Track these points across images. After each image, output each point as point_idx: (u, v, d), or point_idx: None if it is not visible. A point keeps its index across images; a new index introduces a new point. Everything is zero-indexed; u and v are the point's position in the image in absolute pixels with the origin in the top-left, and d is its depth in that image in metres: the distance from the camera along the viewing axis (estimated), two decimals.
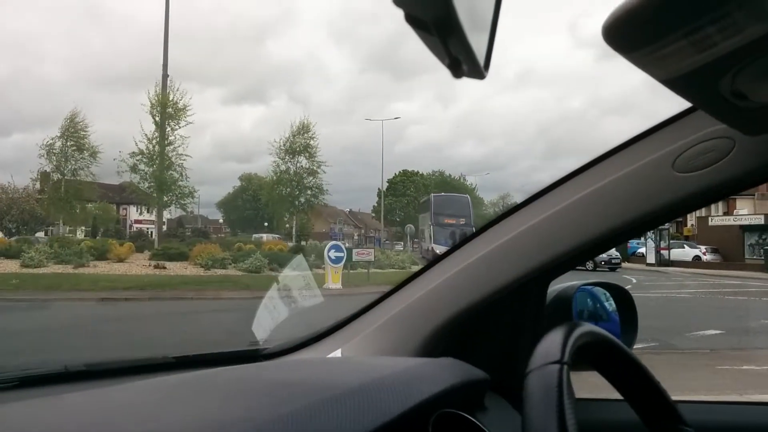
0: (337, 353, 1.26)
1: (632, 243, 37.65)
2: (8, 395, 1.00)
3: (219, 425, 0.66)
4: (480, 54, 0.47)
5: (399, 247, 48.78)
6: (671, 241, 36.04)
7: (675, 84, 0.65)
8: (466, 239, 1.25)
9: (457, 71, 0.41)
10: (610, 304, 1.32)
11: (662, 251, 32.50)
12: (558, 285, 1.27)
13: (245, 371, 0.99)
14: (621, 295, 1.33)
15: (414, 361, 1.00)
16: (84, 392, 0.86)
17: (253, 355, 1.36)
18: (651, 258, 32.52)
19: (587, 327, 0.79)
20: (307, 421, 0.68)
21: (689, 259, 34.58)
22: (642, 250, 35.31)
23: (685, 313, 13.79)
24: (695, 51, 0.58)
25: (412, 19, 0.39)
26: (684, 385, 7.06)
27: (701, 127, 0.99)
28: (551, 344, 0.72)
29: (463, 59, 0.43)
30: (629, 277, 21.25)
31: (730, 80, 0.64)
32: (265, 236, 40.70)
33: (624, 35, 0.57)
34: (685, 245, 37.97)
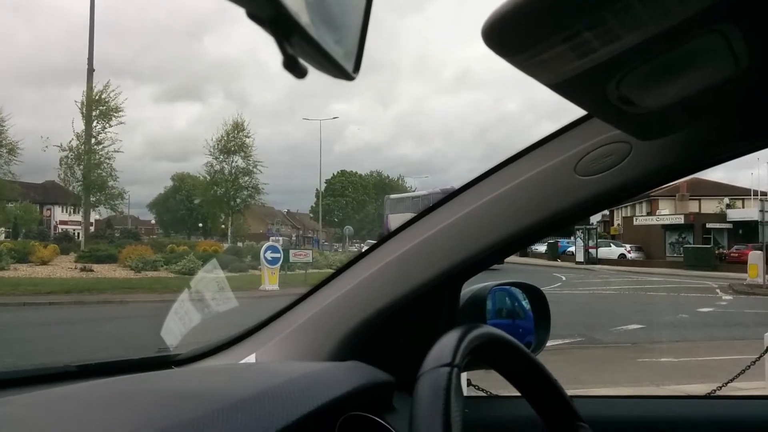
0: (251, 358, 1.24)
1: (562, 242, 39.04)
2: None
3: None
4: (344, 54, 0.47)
5: (338, 247, 48.62)
6: (599, 240, 37.58)
7: (562, 89, 0.66)
8: (379, 242, 1.26)
9: (294, 71, 0.40)
10: (527, 303, 1.38)
11: (590, 249, 33.80)
12: (473, 286, 1.29)
13: (146, 379, 0.96)
14: (535, 295, 1.38)
15: (318, 365, 0.99)
16: None
17: (162, 362, 1.32)
18: (580, 256, 33.79)
19: (483, 329, 0.81)
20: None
21: (615, 257, 36.13)
22: (572, 249, 36.62)
23: (610, 309, 14.39)
24: (576, 56, 0.59)
25: (253, 17, 0.38)
26: (608, 379, 7.38)
27: (601, 132, 1.02)
28: (444, 348, 0.73)
29: (309, 58, 0.42)
30: (559, 275, 22.00)
31: (615, 86, 0.66)
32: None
33: (503, 38, 0.57)
34: (611, 244, 39.69)
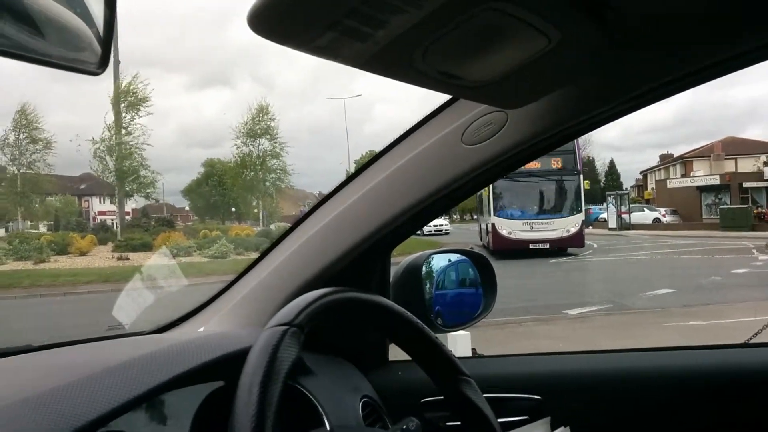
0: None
1: (594, 209, 38.36)
2: None
3: None
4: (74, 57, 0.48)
5: None
6: (632, 205, 36.83)
7: (370, 68, 0.68)
8: (306, 214, 1.30)
9: None
10: (473, 271, 1.41)
11: (623, 215, 33.20)
12: (409, 257, 1.34)
13: (89, 349, 1.06)
14: (480, 262, 1.42)
15: (222, 331, 1.07)
16: None
17: (121, 338, 1.35)
18: (612, 222, 33.22)
19: (341, 294, 0.84)
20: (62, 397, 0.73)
21: (649, 221, 35.41)
22: (604, 215, 36.04)
23: (640, 275, 14.20)
24: (353, 40, 0.60)
25: None
26: (632, 344, 7.34)
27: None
28: (289, 308, 0.78)
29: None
30: (590, 242, 21.72)
31: (423, 62, 0.68)
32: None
33: (269, 26, 0.57)
34: (645, 208, 38.86)
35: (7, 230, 30.73)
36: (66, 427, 0.68)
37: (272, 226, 35.06)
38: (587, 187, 18.33)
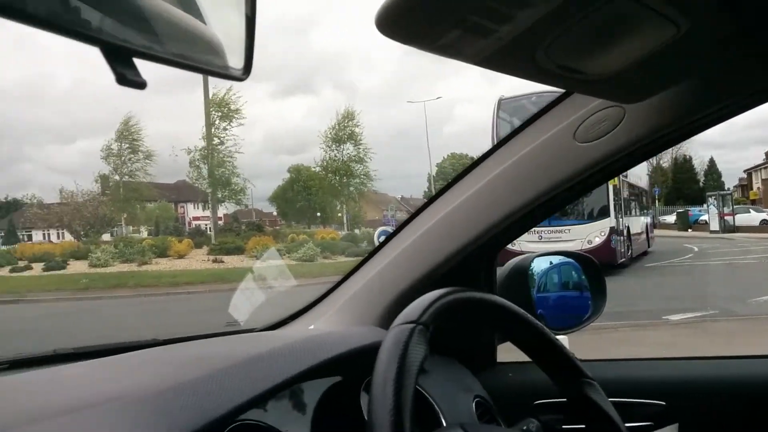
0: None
1: (694, 210, 36.31)
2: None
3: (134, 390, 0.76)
4: (221, 64, 0.50)
5: None
6: (736, 206, 34.57)
7: (489, 64, 0.66)
8: (413, 214, 1.31)
9: (131, 85, 0.45)
10: (577, 273, 1.38)
11: (726, 217, 31.23)
12: (515, 258, 1.34)
13: (212, 344, 1.12)
14: (587, 264, 1.38)
15: (341, 330, 1.08)
16: (47, 369, 0.99)
17: (235, 334, 1.41)
18: (714, 225, 31.28)
19: (464, 293, 0.84)
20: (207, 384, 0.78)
21: (756, 223, 33.07)
22: (704, 217, 34.00)
23: (749, 279, 13.28)
24: (477, 37, 0.59)
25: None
26: (740, 351, 6.85)
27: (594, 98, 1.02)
28: (414, 306, 0.78)
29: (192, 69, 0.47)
30: (691, 246, 20.58)
31: (545, 57, 0.66)
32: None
33: (395, 28, 0.58)
34: (750, 210, 36.33)
35: (111, 234, 32.91)
36: (209, 415, 0.72)
37: (356, 230, 35.62)
38: (614, 182, 14.06)
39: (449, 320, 0.81)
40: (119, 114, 30.95)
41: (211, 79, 28.41)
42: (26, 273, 19.70)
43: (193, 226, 46.45)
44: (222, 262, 20.59)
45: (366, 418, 0.87)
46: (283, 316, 1.42)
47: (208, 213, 33.43)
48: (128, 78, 0.44)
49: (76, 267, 20.00)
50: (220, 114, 28.33)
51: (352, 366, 0.96)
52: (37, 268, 20.15)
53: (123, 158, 29.87)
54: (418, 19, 0.57)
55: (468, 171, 1.23)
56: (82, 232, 30.68)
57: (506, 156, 1.16)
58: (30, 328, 10.12)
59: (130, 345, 1.23)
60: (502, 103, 14.78)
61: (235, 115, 28.58)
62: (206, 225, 38.79)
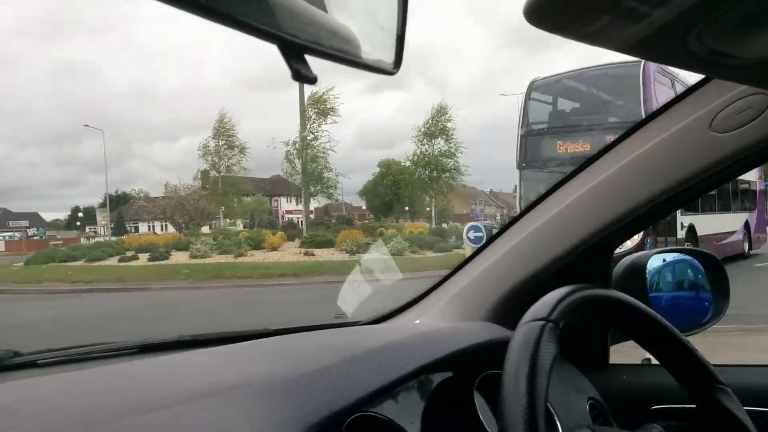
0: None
1: None
2: (127, 359, 1.19)
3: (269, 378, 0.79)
4: (374, 59, 0.51)
5: None
6: None
7: (635, 53, 0.62)
8: (527, 208, 1.28)
9: (304, 80, 0.46)
10: (694, 272, 1.30)
11: None
12: (630, 255, 1.28)
13: (324, 335, 1.17)
14: (709, 262, 1.30)
15: (451, 325, 1.08)
16: (179, 354, 1.07)
17: (343, 326, 1.45)
18: None
19: (592, 290, 0.82)
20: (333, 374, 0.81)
21: None
22: None
23: None
24: (628, 23, 0.55)
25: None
26: None
27: (736, 85, 0.96)
28: (543, 303, 0.77)
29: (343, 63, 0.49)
30: None
31: (696, 42, 0.60)
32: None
33: (544, 17, 0.56)
34: None
35: (210, 227, 34.67)
36: (333, 405, 0.75)
37: (444, 225, 35.56)
38: None
39: (579, 318, 0.80)
40: (218, 112, 32.27)
41: None
42: (133, 263, 21.08)
43: (286, 219, 48.16)
44: (313, 255, 21.13)
45: (481, 416, 0.88)
46: (387, 309, 1.45)
47: (300, 206, 34.47)
48: (302, 73, 0.46)
49: (178, 258, 21.18)
50: (315, 110, 29.09)
51: (464, 362, 0.97)
52: (143, 258, 21.55)
53: (220, 154, 31.33)
54: (569, 6, 0.55)
55: (589, 163, 1.19)
56: (183, 224, 32.50)
57: (633, 147, 1.11)
58: (141, 316, 10.83)
59: (246, 334, 1.29)
60: (536, 85, 12.94)
61: (330, 113, 29.28)
62: (298, 218, 40.08)
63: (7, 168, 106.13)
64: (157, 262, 20.56)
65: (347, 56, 0.50)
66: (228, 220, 35.58)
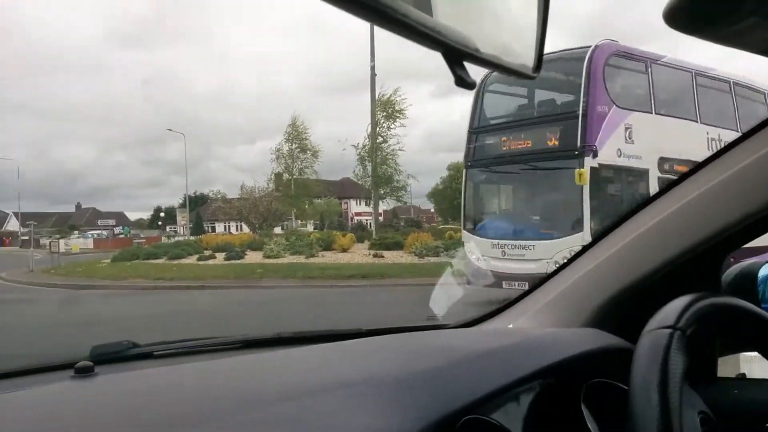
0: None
1: None
2: (234, 354, 1.26)
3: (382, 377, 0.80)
4: (518, 63, 0.51)
5: None
6: None
7: None
8: (630, 212, 1.24)
9: (465, 86, 0.47)
10: None
11: None
12: (741, 263, 1.23)
13: (421, 337, 1.19)
14: None
15: (557, 331, 1.06)
16: (301, 348, 1.11)
17: (434, 329, 1.47)
18: None
19: (719, 298, 0.79)
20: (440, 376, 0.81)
21: None
22: None
23: None
24: None
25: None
26: None
27: None
28: (669, 310, 0.74)
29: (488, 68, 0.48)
30: None
31: None
32: None
33: (687, 16, 0.55)
34: None
35: (282, 228, 35.48)
36: (446, 407, 0.74)
37: None
38: (583, 181, 9.51)
39: (706, 327, 0.77)
40: (291, 115, 32.96)
41: (378, 81, 29.55)
42: (210, 261, 21.89)
43: (356, 221, 48.63)
44: (382, 257, 21.24)
45: (590, 426, 0.86)
46: (478, 313, 1.44)
47: (369, 209, 34.70)
48: (464, 80, 0.47)
49: (252, 257, 21.83)
50: (384, 114, 29.26)
51: (569, 369, 0.94)
52: (220, 257, 22.33)
53: (293, 156, 32.03)
54: (713, 8, 0.55)
55: (702, 166, 1.15)
56: (257, 225, 33.40)
57: (755, 148, 1.06)
58: (223, 314, 11.25)
59: (341, 333, 1.33)
60: (490, 78, 11.31)
61: (399, 115, 29.37)
62: (367, 220, 40.36)
63: (99, 169, 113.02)
64: (233, 261, 21.24)
65: (498, 62, 0.52)
66: (299, 222, 36.29)
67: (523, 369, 0.87)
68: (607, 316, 1.20)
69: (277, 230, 33.63)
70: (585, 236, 9.13)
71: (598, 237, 1.29)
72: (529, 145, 10.47)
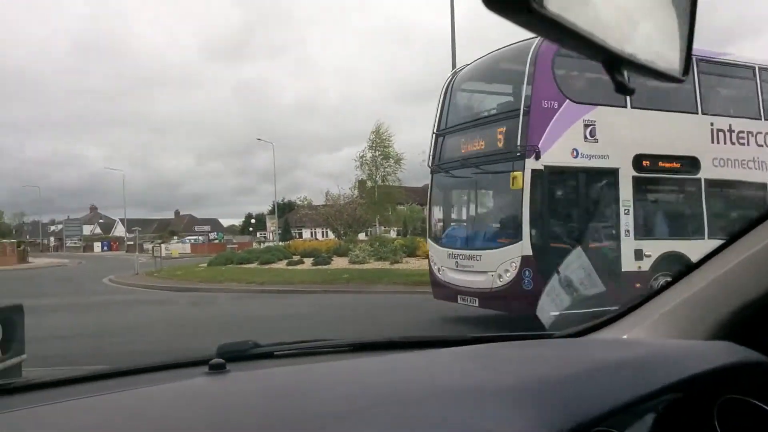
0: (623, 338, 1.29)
1: None
2: (347, 356, 1.33)
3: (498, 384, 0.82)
4: (668, 66, 0.52)
5: None
6: None
7: None
8: (763, 215, 1.16)
9: (625, 92, 0.48)
10: None
11: None
12: None
13: (531, 346, 1.19)
14: None
15: (686, 343, 1.01)
16: (405, 354, 1.15)
17: (541, 338, 1.46)
18: None
19: None
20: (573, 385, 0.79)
21: None
22: None
23: None
24: None
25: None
26: None
27: None
28: None
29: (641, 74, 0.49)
30: None
31: None
32: None
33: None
34: None
35: (366, 234, 35.96)
36: (578, 418, 0.74)
37: None
38: (517, 185, 8.60)
39: None
40: (374, 123, 33.41)
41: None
42: (299, 266, 22.63)
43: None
44: None
45: None
46: (584, 323, 1.41)
47: None
48: (624, 86, 0.47)
49: (338, 263, 22.37)
50: None
51: (702, 384, 0.89)
52: (307, 262, 23.04)
53: (377, 164, 32.47)
54: None
55: None
56: (342, 231, 34.07)
57: None
58: (323, 318, 11.69)
59: (445, 339, 1.37)
60: (457, 78, 10.87)
61: None
62: None
63: (195, 178, 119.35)
64: (320, 267, 21.87)
65: (652, 66, 0.51)
66: (383, 228, 36.70)
67: (654, 382, 0.84)
68: (736, 328, 1.13)
69: (361, 236, 34.14)
70: (524, 245, 8.39)
71: (723, 245, 1.22)
72: (482, 148, 9.68)
